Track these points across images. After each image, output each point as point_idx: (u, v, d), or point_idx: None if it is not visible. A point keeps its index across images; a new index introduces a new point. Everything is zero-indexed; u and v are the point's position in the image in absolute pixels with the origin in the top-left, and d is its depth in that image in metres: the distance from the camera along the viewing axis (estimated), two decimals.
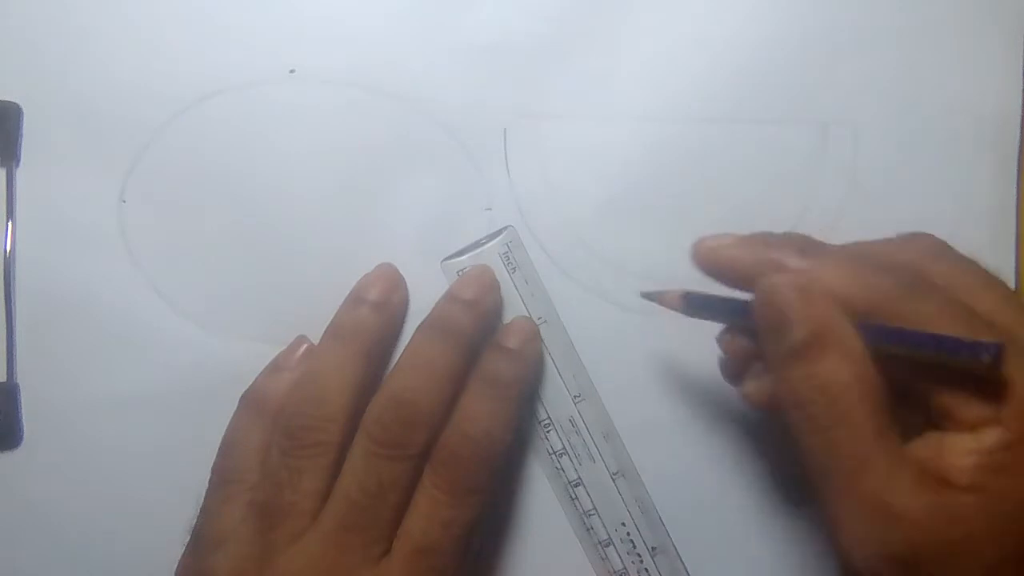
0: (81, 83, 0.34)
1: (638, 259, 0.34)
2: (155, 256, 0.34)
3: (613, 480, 0.33)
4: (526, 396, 0.32)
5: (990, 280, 0.26)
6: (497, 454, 0.30)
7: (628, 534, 0.33)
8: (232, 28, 0.34)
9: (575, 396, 0.33)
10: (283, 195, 0.34)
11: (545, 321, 0.33)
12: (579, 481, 0.33)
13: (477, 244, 0.34)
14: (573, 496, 0.33)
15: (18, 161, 0.34)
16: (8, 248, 0.34)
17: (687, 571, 0.33)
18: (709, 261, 0.28)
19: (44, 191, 0.34)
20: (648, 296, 0.31)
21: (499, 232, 0.34)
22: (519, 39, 0.34)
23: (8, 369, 0.34)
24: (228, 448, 0.32)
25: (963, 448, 0.24)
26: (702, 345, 0.34)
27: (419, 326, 0.32)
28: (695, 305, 0.29)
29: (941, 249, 0.27)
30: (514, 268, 0.33)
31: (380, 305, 0.32)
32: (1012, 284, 0.34)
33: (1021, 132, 0.34)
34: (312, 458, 0.30)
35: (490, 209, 0.34)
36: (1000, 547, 0.23)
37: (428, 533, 0.29)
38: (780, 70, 0.34)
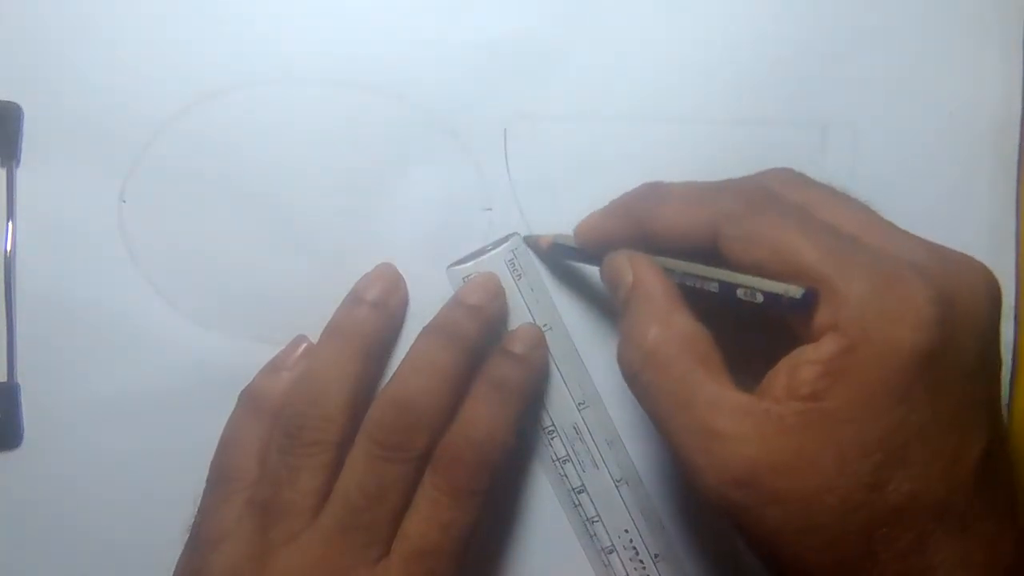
0: (81, 83, 0.34)
1: None
2: (155, 256, 0.34)
3: (616, 487, 0.33)
4: (530, 402, 0.32)
5: (837, 195, 0.27)
6: (499, 458, 0.30)
7: (631, 541, 0.33)
8: (232, 28, 0.34)
9: (579, 403, 0.33)
10: (283, 195, 0.34)
11: (550, 328, 0.33)
12: (583, 488, 0.33)
13: (483, 251, 0.34)
14: (576, 503, 0.33)
15: (18, 161, 0.34)
16: (8, 248, 0.34)
17: None
18: (585, 238, 0.31)
19: (44, 191, 0.34)
20: (528, 241, 0.33)
21: (505, 239, 0.34)
22: (519, 39, 0.34)
23: (8, 369, 0.34)
24: (226, 447, 0.32)
25: (806, 359, 0.24)
26: None
27: (423, 329, 0.32)
28: (562, 252, 0.32)
29: (798, 177, 0.28)
30: (520, 275, 0.33)
31: (379, 305, 0.32)
32: (1012, 284, 0.34)
33: (1021, 132, 0.34)
34: (311, 457, 0.30)
35: (490, 209, 0.34)
36: (839, 453, 0.23)
37: (427, 535, 0.29)
38: (780, 70, 0.34)
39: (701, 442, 0.24)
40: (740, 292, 0.25)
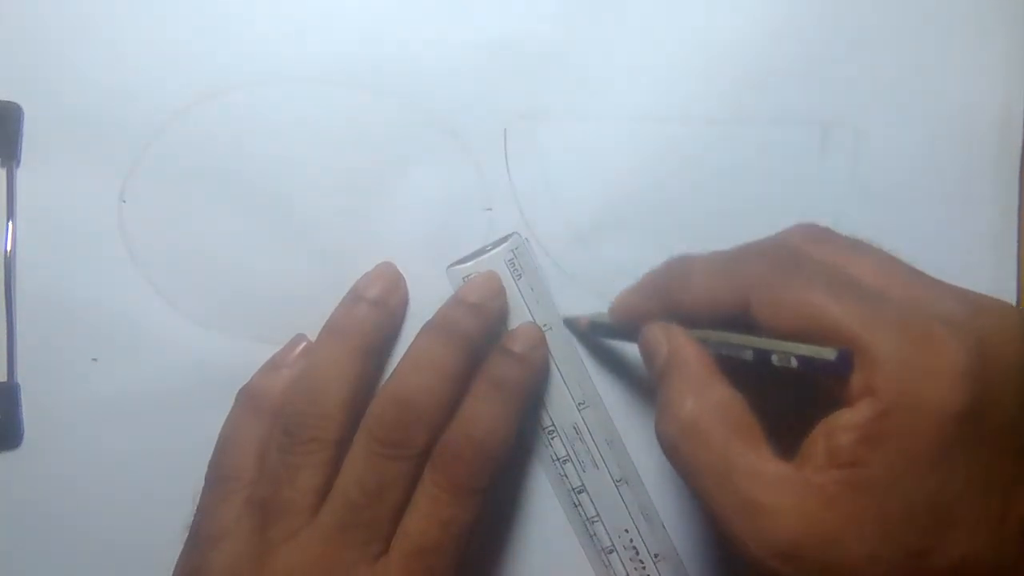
0: (81, 83, 0.34)
1: (638, 259, 0.34)
2: (155, 256, 0.34)
3: (616, 487, 0.33)
4: (530, 401, 0.32)
5: (861, 247, 0.26)
6: (499, 456, 0.30)
7: (631, 541, 0.33)
8: (232, 28, 0.34)
9: (579, 403, 0.33)
10: (283, 195, 0.34)
11: (550, 328, 0.33)
12: (583, 488, 0.33)
13: (483, 250, 0.33)
14: (576, 503, 0.33)
15: (18, 161, 0.34)
16: (8, 248, 0.34)
17: None
18: (620, 316, 0.31)
19: (44, 191, 0.34)
20: (567, 322, 0.34)
21: (505, 238, 0.34)
22: (519, 39, 0.34)
23: (8, 369, 0.34)
24: (225, 445, 0.32)
25: (843, 425, 0.23)
26: None
27: (423, 327, 0.32)
28: (600, 330, 0.32)
29: (821, 232, 0.28)
30: (520, 275, 0.33)
31: (379, 303, 0.32)
32: (1013, 284, 0.34)
33: (1023, 132, 0.34)
34: (310, 455, 0.30)
35: (490, 209, 0.34)
36: (883, 520, 0.22)
37: (427, 533, 0.29)
38: (780, 70, 0.34)
39: (743, 515, 0.23)
40: (775, 358, 0.24)
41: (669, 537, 0.33)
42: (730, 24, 0.34)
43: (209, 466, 0.32)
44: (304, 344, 0.33)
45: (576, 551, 0.33)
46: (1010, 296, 0.34)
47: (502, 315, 0.33)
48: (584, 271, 0.34)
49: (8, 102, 0.33)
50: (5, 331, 0.34)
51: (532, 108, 0.34)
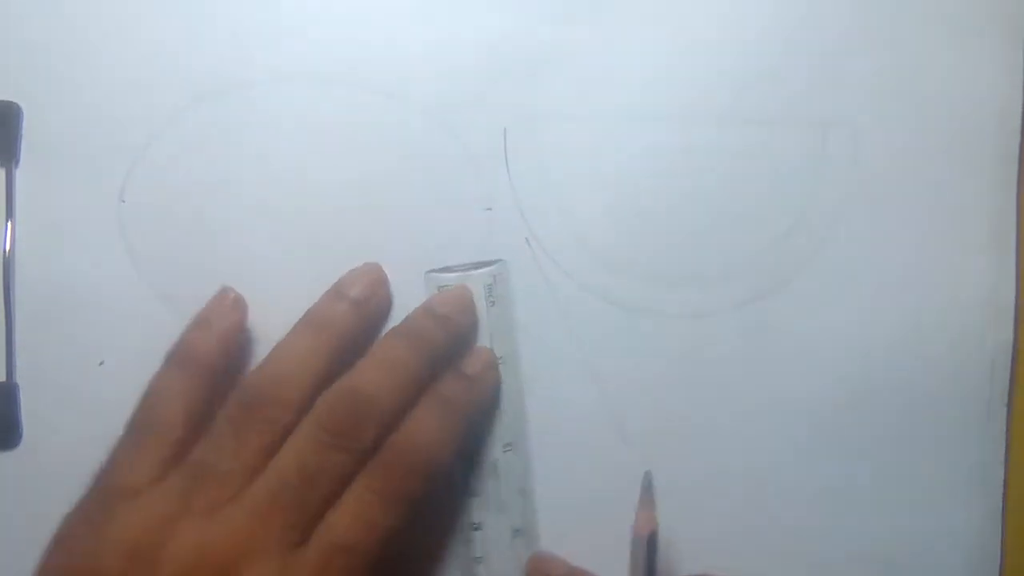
0: (81, 83, 0.34)
1: (639, 259, 0.34)
2: (155, 256, 0.34)
3: (512, 537, 0.32)
4: (472, 423, 0.32)
5: None
6: (436, 471, 0.30)
7: None
8: (232, 28, 0.34)
9: (505, 443, 0.33)
10: (283, 195, 0.34)
11: (504, 361, 0.33)
12: (479, 526, 0.32)
13: (465, 267, 0.33)
14: (468, 539, 0.33)
15: (18, 161, 0.34)
16: (8, 248, 0.34)
17: None
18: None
19: (44, 191, 0.34)
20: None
21: (491, 263, 0.33)
22: (519, 39, 0.34)
23: (8, 369, 0.34)
24: (152, 399, 0.31)
25: None
26: (706, 346, 0.34)
27: (391, 330, 0.32)
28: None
29: None
30: (493, 302, 0.33)
31: (359, 303, 0.32)
32: (1012, 284, 0.34)
33: (1021, 132, 0.34)
34: (260, 434, 0.29)
35: (490, 209, 0.34)
36: None
37: (351, 531, 0.29)
38: (780, 70, 0.34)
39: None
40: None
41: None
42: (730, 24, 0.34)
43: (132, 417, 0.31)
44: (233, 296, 0.33)
45: None
46: (1009, 296, 0.34)
47: (468, 333, 0.33)
48: (584, 271, 0.34)
49: (8, 102, 0.34)
50: (4, 331, 0.34)
51: (532, 108, 0.34)
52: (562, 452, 0.34)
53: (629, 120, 0.34)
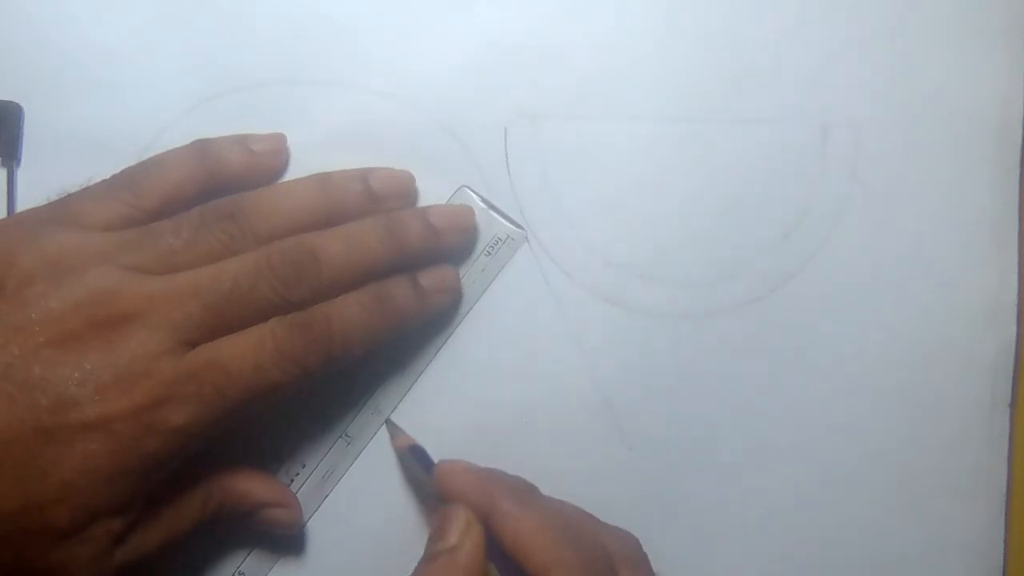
0: (81, 83, 0.34)
1: (639, 259, 0.34)
2: None
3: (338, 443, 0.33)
4: (401, 334, 0.32)
5: None
6: (340, 357, 0.30)
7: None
8: (232, 29, 0.34)
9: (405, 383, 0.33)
10: None
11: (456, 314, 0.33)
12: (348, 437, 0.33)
13: (499, 210, 0.34)
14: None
15: (18, 161, 0.34)
16: None
17: None
18: (443, 485, 0.30)
19: (44, 191, 0.34)
20: (389, 426, 0.33)
21: (519, 226, 0.34)
22: (519, 39, 0.34)
23: None
24: (150, 164, 0.31)
25: None
26: (706, 346, 0.34)
27: (379, 215, 0.31)
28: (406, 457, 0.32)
29: (638, 559, 0.30)
30: (489, 254, 0.33)
31: (374, 197, 0.32)
32: (1013, 284, 0.34)
33: (1022, 132, 0.34)
34: (218, 240, 0.29)
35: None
36: None
37: (237, 360, 0.28)
38: (780, 70, 0.34)
39: None
40: None
41: None
42: (730, 24, 0.34)
43: (127, 168, 0.31)
44: (286, 147, 0.33)
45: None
46: (1011, 296, 0.34)
47: (452, 252, 0.33)
48: (583, 271, 0.34)
49: (8, 102, 0.34)
50: None
51: (532, 108, 0.34)
52: (561, 452, 0.33)
53: (629, 120, 0.34)
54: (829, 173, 0.34)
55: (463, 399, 0.33)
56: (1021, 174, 0.34)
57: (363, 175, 0.32)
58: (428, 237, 0.32)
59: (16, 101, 0.34)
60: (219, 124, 0.34)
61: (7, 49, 0.34)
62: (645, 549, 0.31)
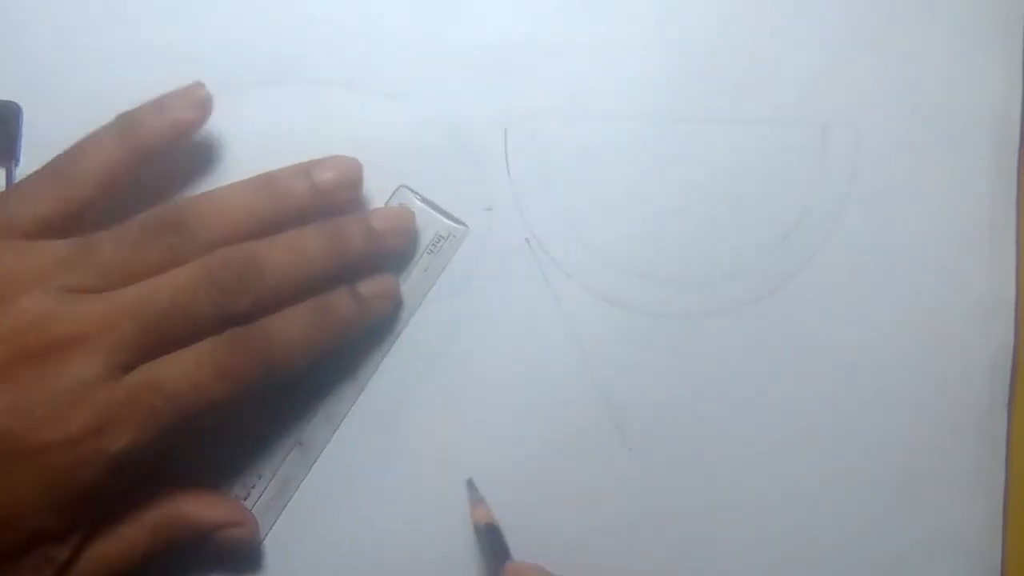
0: (81, 83, 0.34)
1: (639, 259, 0.34)
2: None
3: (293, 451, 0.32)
4: (342, 343, 0.31)
5: None
6: (281, 370, 0.29)
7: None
8: (232, 29, 0.34)
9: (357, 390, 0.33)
10: None
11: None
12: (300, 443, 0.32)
13: (438, 208, 0.33)
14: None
15: (18, 161, 0.34)
16: None
17: None
18: None
19: None
20: (469, 489, 0.32)
21: (458, 221, 0.33)
22: (519, 39, 0.34)
23: None
24: (76, 151, 0.30)
25: None
26: (707, 346, 0.34)
27: (320, 221, 0.31)
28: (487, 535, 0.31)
29: None
30: (431, 252, 0.33)
31: (320, 191, 0.31)
32: (1012, 284, 0.34)
33: (1021, 132, 0.34)
34: (159, 253, 0.29)
35: (490, 209, 0.34)
36: None
37: (174, 380, 0.28)
38: (780, 70, 0.34)
39: None
40: None
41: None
42: (730, 24, 0.34)
43: (53, 159, 0.30)
44: (203, 94, 0.32)
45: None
46: (1009, 296, 0.34)
47: (391, 256, 0.32)
48: (583, 271, 0.34)
49: (8, 102, 0.34)
50: None
51: (532, 108, 0.34)
52: (561, 452, 0.33)
53: (629, 120, 0.34)
54: (829, 173, 0.34)
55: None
56: (1019, 175, 0.34)
57: (307, 170, 0.31)
58: (370, 242, 0.31)
59: (16, 101, 0.34)
60: (219, 124, 0.34)
61: (7, 49, 0.34)
62: (645, 549, 0.31)
